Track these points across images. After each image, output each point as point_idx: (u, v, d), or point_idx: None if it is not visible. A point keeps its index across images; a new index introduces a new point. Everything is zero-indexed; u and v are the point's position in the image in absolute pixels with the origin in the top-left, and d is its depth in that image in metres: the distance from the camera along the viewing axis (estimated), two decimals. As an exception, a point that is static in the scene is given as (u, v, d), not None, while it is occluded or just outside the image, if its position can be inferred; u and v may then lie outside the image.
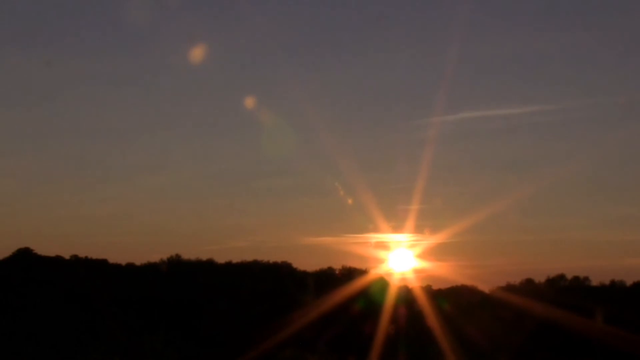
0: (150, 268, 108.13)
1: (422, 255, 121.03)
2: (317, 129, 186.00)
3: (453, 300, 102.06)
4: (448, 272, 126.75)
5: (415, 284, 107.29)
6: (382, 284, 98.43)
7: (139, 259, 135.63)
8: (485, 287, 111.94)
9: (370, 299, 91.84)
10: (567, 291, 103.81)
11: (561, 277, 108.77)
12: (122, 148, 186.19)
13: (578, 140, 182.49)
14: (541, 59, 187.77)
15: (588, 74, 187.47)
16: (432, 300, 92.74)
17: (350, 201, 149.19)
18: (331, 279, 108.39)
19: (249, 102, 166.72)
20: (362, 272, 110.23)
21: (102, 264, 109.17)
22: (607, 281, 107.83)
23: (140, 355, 69.21)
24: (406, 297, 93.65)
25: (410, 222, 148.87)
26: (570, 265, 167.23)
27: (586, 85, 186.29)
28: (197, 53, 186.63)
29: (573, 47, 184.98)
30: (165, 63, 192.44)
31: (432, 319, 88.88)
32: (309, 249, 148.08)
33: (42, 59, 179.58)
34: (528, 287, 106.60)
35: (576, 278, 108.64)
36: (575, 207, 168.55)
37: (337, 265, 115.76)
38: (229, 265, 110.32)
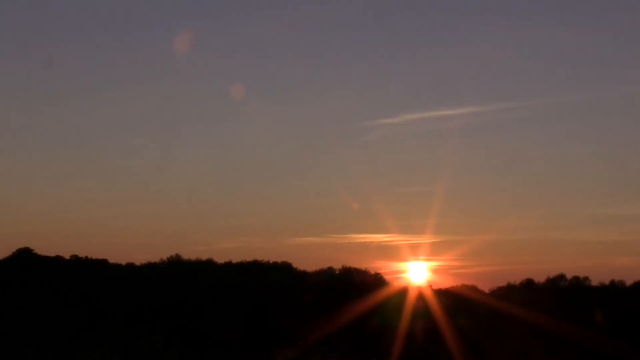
0: (150, 268, 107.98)
1: (419, 256, 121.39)
2: (307, 131, 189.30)
3: (452, 300, 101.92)
4: (446, 272, 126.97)
5: (415, 286, 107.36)
6: (394, 296, 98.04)
7: (139, 259, 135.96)
8: (485, 287, 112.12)
9: (383, 311, 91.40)
10: (567, 291, 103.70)
11: (561, 277, 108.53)
12: (122, 148, 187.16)
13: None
14: (480, 63, 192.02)
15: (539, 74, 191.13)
16: (444, 309, 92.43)
17: (355, 205, 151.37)
18: (331, 279, 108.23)
19: (242, 98, 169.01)
20: (362, 272, 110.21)
21: (102, 264, 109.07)
22: (607, 281, 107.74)
23: (140, 355, 69.19)
24: (422, 310, 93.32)
25: (396, 223, 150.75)
26: (558, 265, 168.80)
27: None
28: (197, 59, 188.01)
29: (509, 52, 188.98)
30: (164, 65, 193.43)
31: (445, 329, 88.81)
32: (298, 249, 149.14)
33: (43, 59, 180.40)
34: (528, 288, 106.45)
35: (576, 278, 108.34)
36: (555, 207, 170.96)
37: (328, 264, 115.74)
38: (228, 265, 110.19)
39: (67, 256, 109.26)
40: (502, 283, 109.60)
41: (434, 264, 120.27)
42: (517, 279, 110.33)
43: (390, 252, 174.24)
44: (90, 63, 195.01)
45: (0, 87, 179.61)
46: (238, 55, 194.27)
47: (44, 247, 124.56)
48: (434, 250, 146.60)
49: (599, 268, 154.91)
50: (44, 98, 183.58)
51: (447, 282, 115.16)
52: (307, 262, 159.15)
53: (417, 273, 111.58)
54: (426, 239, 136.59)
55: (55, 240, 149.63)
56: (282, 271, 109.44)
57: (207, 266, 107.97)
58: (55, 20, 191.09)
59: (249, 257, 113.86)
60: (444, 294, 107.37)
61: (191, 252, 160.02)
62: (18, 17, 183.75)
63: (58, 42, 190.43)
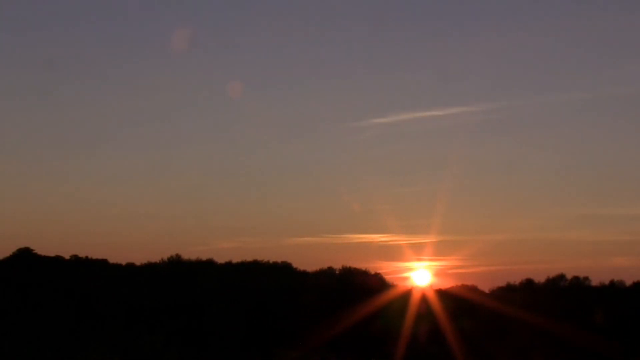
0: (150, 268, 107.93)
1: (418, 256, 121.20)
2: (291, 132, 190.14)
3: (452, 301, 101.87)
4: (446, 272, 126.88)
5: (415, 286, 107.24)
6: (394, 297, 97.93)
7: (139, 259, 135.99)
8: (485, 287, 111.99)
9: (383, 312, 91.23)
10: (567, 291, 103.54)
11: (561, 277, 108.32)
12: (122, 150, 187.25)
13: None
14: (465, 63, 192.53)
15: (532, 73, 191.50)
16: (444, 309, 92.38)
17: (353, 205, 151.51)
18: (331, 279, 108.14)
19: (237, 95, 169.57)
20: (362, 273, 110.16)
21: (102, 264, 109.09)
22: (607, 281, 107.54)
23: (140, 355, 69.18)
24: (422, 310, 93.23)
25: (394, 223, 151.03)
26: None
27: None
28: (194, 58, 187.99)
29: (492, 51, 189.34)
30: (164, 65, 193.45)
31: (446, 330, 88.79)
32: (296, 249, 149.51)
33: (42, 58, 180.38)
34: (528, 288, 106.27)
35: (576, 278, 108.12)
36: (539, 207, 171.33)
37: (325, 264, 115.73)
38: (228, 265, 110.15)
39: (67, 256, 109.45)
40: (502, 283, 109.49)
41: (433, 264, 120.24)
42: (517, 279, 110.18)
43: (389, 253, 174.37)
44: (92, 63, 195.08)
45: (2, 86, 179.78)
46: (234, 56, 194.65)
47: (44, 247, 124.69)
48: (434, 251, 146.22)
49: (597, 268, 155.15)
50: (44, 98, 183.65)
51: (447, 283, 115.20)
52: (304, 262, 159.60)
53: (416, 273, 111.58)
54: (425, 239, 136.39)
55: (55, 240, 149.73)
56: (282, 271, 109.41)
57: (207, 266, 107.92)
58: (53, 20, 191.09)
59: (247, 257, 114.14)
60: (444, 295, 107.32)
61: (190, 252, 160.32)
62: (17, 17, 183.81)
63: (55, 41, 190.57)
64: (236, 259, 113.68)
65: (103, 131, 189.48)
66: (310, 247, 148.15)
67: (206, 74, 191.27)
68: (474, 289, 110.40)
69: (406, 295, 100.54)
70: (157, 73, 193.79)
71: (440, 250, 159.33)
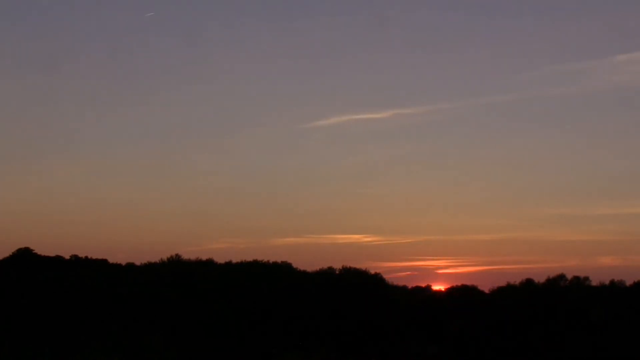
0: (150, 268, 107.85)
1: (418, 256, 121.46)
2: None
3: (452, 300, 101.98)
4: (446, 272, 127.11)
5: (415, 287, 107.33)
6: (393, 297, 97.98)
7: (139, 259, 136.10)
8: (485, 287, 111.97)
9: (380, 311, 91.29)
10: (567, 291, 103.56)
11: (561, 277, 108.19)
12: (122, 151, 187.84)
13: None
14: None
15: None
16: (444, 309, 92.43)
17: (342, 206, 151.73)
18: (331, 278, 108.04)
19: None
20: (362, 273, 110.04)
21: (102, 264, 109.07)
22: (607, 281, 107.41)
23: (140, 355, 69.16)
24: (422, 310, 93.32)
25: (390, 223, 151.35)
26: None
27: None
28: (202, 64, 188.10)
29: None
30: (159, 70, 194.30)
31: (445, 329, 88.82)
32: (281, 249, 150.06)
33: (46, 63, 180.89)
34: (528, 288, 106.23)
35: (576, 278, 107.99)
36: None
37: (314, 263, 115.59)
38: (228, 265, 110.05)
39: (67, 256, 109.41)
40: (502, 283, 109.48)
41: (434, 263, 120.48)
42: (517, 279, 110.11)
43: (381, 253, 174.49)
44: (90, 62, 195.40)
45: (4, 89, 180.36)
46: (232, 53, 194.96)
47: (44, 247, 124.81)
48: (434, 251, 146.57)
49: (584, 267, 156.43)
50: (45, 101, 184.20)
51: (447, 283, 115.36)
52: (294, 261, 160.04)
53: (417, 274, 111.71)
54: (424, 239, 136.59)
55: (55, 240, 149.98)
56: (282, 271, 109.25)
57: (207, 266, 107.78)
58: (64, 25, 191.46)
59: (237, 258, 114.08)
60: (444, 295, 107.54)
61: (187, 252, 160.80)
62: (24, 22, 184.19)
63: (62, 45, 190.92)
64: (227, 259, 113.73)
65: (103, 132, 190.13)
66: (298, 247, 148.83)
67: (200, 78, 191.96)
68: (473, 288, 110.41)
69: (405, 295, 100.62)
70: (153, 73, 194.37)
71: (439, 250, 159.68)
